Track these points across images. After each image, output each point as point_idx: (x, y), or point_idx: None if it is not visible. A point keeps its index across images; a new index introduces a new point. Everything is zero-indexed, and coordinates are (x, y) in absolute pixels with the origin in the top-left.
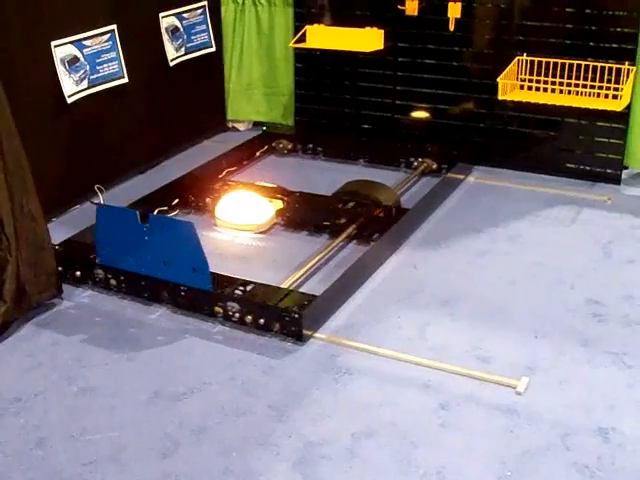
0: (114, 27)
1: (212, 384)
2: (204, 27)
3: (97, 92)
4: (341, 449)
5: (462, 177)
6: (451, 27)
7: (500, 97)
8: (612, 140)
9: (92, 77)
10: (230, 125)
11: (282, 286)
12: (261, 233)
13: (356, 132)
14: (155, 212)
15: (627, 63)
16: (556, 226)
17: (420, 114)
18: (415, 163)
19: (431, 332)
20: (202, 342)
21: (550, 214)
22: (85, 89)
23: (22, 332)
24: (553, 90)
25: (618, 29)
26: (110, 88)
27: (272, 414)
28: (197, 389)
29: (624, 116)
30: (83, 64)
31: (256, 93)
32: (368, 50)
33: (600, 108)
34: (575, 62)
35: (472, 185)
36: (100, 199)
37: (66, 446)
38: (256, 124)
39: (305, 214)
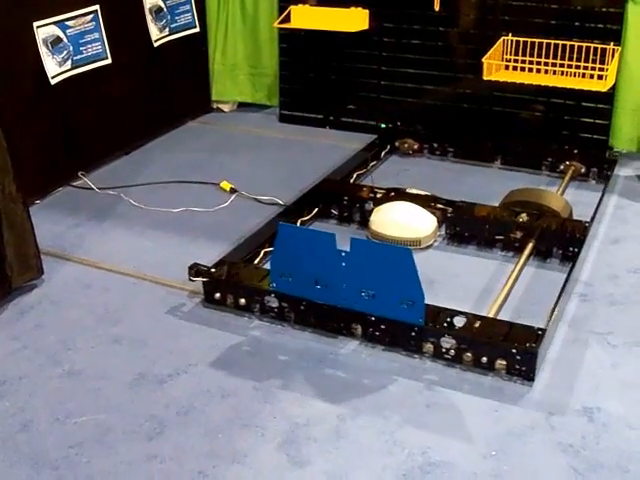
0: (97, 7)
1: (198, 366)
2: (188, 7)
3: (81, 73)
4: (326, 430)
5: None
6: (436, 7)
7: (485, 77)
8: (597, 121)
9: (75, 58)
10: (214, 106)
11: (489, 315)
12: (425, 248)
13: (343, 113)
14: (298, 223)
15: (612, 43)
16: None
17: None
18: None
19: None
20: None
21: None
22: (68, 70)
23: (5, 315)
24: (538, 70)
25: (603, 9)
26: (94, 69)
27: (257, 395)
28: (183, 371)
29: (609, 97)
30: (66, 45)
31: (241, 74)
32: (353, 30)
33: (585, 88)
34: (560, 42)
35: None
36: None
37: (52, 429)
38: (241, 105)
39: (472, 226)
